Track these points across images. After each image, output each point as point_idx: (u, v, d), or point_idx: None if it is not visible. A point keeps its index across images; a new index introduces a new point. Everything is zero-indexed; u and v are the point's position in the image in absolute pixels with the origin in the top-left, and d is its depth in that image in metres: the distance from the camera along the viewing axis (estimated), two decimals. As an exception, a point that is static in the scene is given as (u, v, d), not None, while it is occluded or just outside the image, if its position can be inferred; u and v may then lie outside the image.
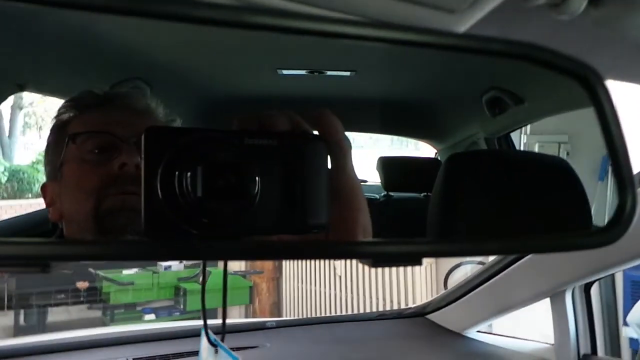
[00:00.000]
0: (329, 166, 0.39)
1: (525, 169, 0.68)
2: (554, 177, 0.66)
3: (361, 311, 3.96)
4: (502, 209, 0.62)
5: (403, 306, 3.54)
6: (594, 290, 1.30)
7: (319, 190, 0.37)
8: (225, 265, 0.50)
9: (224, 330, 0.50)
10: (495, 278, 1.30)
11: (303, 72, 0.96)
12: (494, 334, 1.57)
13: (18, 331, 4.20)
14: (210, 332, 0.50)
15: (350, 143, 0.42)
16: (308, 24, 0.29)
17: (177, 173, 0.33)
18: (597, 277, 1.21)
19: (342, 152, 0.41)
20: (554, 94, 0.97)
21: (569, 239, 0.43)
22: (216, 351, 0.48)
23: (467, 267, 2.83)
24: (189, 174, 0.33)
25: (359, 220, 0.42)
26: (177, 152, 0.33)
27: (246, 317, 4.46)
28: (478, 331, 1.49)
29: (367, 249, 0.35)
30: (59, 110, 0.62)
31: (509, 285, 1.28)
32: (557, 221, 0.57)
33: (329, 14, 0.36)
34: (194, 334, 1.30)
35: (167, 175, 0.33)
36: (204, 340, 0.49)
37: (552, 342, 1.32)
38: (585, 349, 1.25)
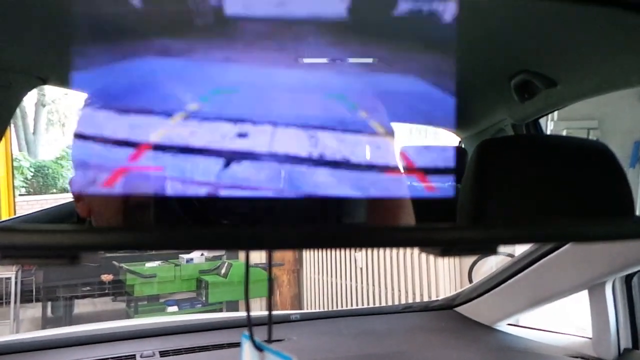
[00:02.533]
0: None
1: (564, 155, 0.64)
2: (595, 163, 0.62)
3: (382, 304, 3.92)
4: (541, 197, 0.58)
5: (426, 299, 3.49)
6: (635, 282, 1.23)
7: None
8: (270, 259, 0.46)
9: (270, 332, 0.47)
10: (529, 269, 1.24)
11: (324, 60, 0.92)
12: (523, 327, 1.52)
13: (46, 322, 4.31)
14: (255, 336, 0.46)
15: (393, 129, 0.37)
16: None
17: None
18: (639, 268, 1.15)
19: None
20: (601, 72, 0.91)
21: (612, 228, 0.39)
22: (261, 356, 0.45)
23: (492, 260, 2.77)
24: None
25: (400, 219, 0.37)
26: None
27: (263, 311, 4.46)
28: (509, 324, 1.44)
29: (418, 236, 0.31)
30: (84, 101, 0.59)
31: (544, 277, 1.22)
32: (599, 209, 0.54)
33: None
34: (218, 326, 1.29)
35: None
36: (245, 346, 0.46)
37: (589, 335, 1.26)
38: (626, 343, 1.19)
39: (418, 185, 0.32)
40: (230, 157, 0.29)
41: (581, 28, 0.75)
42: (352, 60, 1.00)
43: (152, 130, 0.29)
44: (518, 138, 1.18)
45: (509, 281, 1.32)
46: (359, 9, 0.29)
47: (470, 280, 2.06)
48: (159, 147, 0.29)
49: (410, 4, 0.30)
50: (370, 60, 1.01)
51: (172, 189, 0.29)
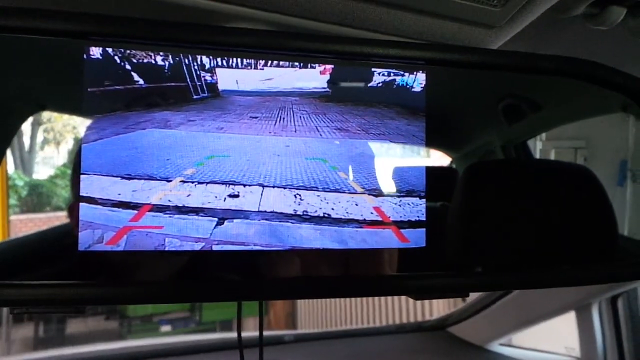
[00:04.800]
0: None
1: (548, 183, 0.65)
2: (578, 191, 0.62)
3: (377, 321, 3.90)
4: (525, 230, 0.58)
5: (420, 317, 3.49)
6: (621, 303, 1.26)
7: None
8: (261, 307, 0.48)
9: (261, 355, 0.49)
10: (519, 290, 1.27)
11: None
12: (515, 347, 1.53)
13: (37, 342, 4.24)
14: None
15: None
16: (346, 47, 0.28)
17: None
18: (624, 289, 1.18)
19: None
20: (578, 102, 0.95)
21: (591, 273, 0.42)
22: None
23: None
24: None
25: (377, 268, 0.39)
26: None
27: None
28: (501, 344, 1.45)
29: (393, 283, 0.34)
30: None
31: (534, 298, 1.24)
32: (581, 248, 0.53)
33: (364, 34, 0.35)
34: (210, 348, 1.29)
35: None
36: None
37: (577, 355, 1.28)
38: (613, 363, 1.21)
39: (393, 238, 0.35)
40: (223, 216, 0.32)
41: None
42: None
43: (153, 193, 0.32)
44: (502, 165, 1.21)
45: (500, 301, 1.34)
46: (337, 83, 0.32)
47: (464, 300, 2.06)
48: (158, 208, 0.32)
49: (384, 77, 0.33)
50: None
51: (170, 245, 0.31)
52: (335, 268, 0.34)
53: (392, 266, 0.37)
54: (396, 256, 0.35)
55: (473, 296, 1.59)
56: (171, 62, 0.31)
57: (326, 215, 0.34)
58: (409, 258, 0.34)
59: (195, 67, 0.31)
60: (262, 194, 0.33)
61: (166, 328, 4.28)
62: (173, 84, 0.31)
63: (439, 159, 0.46)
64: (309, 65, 0.32)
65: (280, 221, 0.33)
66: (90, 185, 0.33)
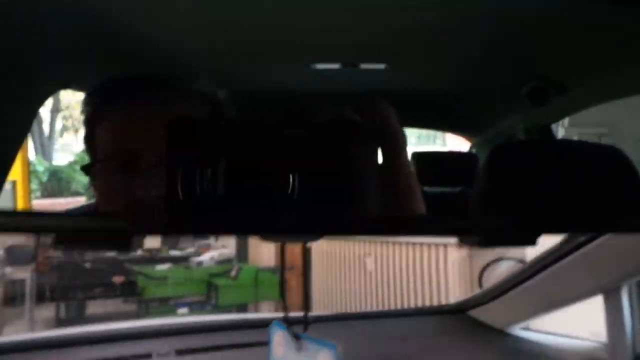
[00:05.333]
0: (380, 161, 0.37)
1: (578, 160, 0.64)
2: (610, 167, 0.62)
3: (392, 306, 3.90)
4: (555, 204, 0.58)
5: (435, 303, 3.47)
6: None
7: (370, 187, 0.34)
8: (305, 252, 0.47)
9: (306, 320, 0.48)
10: (542, 273, 1.24)
11: (337, 65, 0.94)
12: (537, 331, 1.50)
13: (59, 322, 4.37)
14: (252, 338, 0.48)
15: (406, 135, 0.40)
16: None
17: (198, 170, 0.31)
18: (656, 273, 1.14)
19: (398, 145, 0.38)
20: (613, 80, 0.91)
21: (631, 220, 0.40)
22: (299, 345, 0.46)
23: (503, 265, 2.73)
24: (209, 170, 0.31)
25: (410, 206, 0.40)
26: (199, 147, 0.32)
27: (277, 312, 4.46)
28: (522, 328, 1.43)
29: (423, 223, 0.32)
30: (82, 102, 0.59)
31: (558, 281, 1.21)
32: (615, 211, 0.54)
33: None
34: (232, 327, 1.30)
35: (188, 172, 0.31)
36: (277, 334, 0.47)
37: (603, 340, 1.25)
38: (642, 348, 1.18)
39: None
40: None
41: (589, 34, 0.75)
42: (363, 66, 1.01)
43: None
44: (533, 143, 1.18)
45: (522, 285, 1.31)
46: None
47: (481, 286, 2.04)
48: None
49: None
50: (382, 66, 1.02)
51: None
52: (367, 204, 0.33)
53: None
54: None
55: (493, 280, 1.57)
56: None
57: None
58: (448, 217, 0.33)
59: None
60: None
61: (183, 310, 4.36)
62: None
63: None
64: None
65: None
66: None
